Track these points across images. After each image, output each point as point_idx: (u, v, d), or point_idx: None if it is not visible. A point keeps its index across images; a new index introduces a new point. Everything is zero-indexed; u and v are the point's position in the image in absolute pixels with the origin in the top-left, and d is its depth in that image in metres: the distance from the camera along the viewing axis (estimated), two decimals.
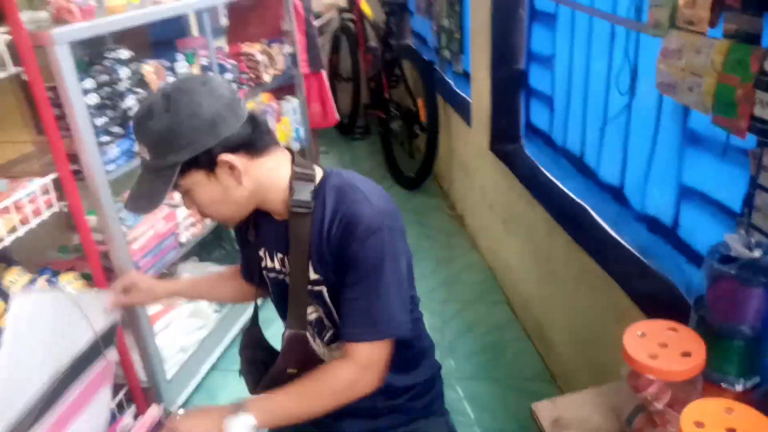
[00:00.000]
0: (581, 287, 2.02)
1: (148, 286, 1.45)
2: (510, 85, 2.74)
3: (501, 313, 2.77)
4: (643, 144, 1.74)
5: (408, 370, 1.36)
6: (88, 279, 1.81)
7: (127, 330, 2.00)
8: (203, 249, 2.88)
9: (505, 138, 2.82)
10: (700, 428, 0.87)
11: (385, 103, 4.35)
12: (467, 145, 3.40)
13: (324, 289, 1.22)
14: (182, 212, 2.21)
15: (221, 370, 2.49)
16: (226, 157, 1.10)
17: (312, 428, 1.44)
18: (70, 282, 1.76)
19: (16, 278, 1.68)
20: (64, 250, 1.92)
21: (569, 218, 2.10)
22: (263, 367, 1.38)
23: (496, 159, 2.82)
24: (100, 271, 1.81)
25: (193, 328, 2.41)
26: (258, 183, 1.18)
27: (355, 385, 1.19)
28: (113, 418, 1.51)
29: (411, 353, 1.36)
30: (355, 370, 1.18)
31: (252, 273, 1.38)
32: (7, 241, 1.52)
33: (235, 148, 1.11)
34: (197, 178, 1.13)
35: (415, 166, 4.14)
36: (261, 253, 1.31)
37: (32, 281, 1.70)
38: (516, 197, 2.59)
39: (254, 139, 1.15)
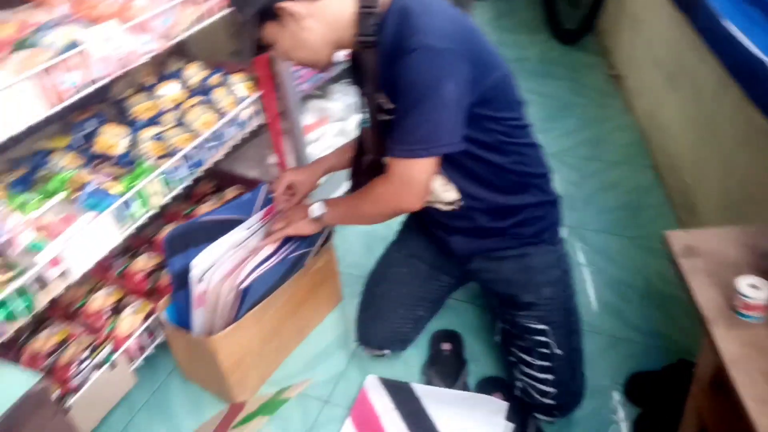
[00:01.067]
0: (744, 149, 1.87)
1: (303, 178, 1.64)
2: None
3: (645, 177, 2.65)
4: None
5: (512, 193, 1.39)
6: (255, 81, 1.98)
7: (285, 137, 2.20)
8: None
9: None
10: None
11: None
12: None
13: None
14: None
15: None
16: (285, 4, 1.18)
17: (427, 241, 1.59)
18: (239, 82, 1.94)
19: (195, 71, 1.89)
20: (235, 55, 2.10)
21: (746, 72, 1.89)
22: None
23: (672, 6, 2.54)
24: (266, 75, 1.97)
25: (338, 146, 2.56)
26: (325, 23, 1.23)
27: (392, 198, 1.28)
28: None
29: (515, 177, 1.37)
30: (390, 184, 1.26)
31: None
32: (189, 32, 1.68)
33: None
34: (272, 30, 1.24)
35: (577, 18, 3.84)
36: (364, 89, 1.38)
37: (208, 76, 1.90)
38: (687, 50, 2.36)
39: None
